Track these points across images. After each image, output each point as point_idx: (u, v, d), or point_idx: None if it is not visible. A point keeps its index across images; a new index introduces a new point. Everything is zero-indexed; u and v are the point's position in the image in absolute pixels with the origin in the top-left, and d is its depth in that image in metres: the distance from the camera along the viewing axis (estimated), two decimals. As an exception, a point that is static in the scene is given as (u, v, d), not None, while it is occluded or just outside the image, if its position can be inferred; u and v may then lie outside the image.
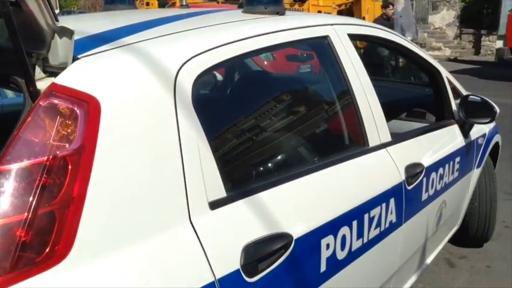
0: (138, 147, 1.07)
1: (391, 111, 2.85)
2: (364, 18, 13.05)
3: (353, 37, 1.88)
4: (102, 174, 0.99)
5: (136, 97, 1.10)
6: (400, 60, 8.00)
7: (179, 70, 1.18)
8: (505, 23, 12.16)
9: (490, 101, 2.49)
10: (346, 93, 1.77)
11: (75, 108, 0.98)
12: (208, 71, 1.29)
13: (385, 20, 9.15)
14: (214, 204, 1.16)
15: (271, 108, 1.71)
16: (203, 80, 1.35)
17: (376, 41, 2.18)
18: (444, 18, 20.12)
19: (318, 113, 1.86)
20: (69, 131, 0.97)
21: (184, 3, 1.90)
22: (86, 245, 0.95)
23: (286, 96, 1.83)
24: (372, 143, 1.80)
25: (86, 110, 0.99)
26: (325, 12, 13.45)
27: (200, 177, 1.14)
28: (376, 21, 9.00)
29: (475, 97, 2.50)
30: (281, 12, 1.68)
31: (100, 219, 0.98)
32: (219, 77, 2.42)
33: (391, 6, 9.41)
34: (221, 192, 1.19)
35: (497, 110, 2.46)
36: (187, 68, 1.20)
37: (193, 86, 1.20)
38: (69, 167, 0.95)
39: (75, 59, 1.05)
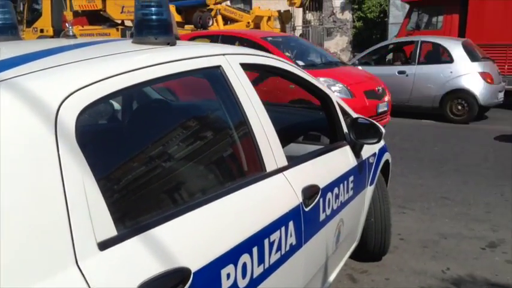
0: (16, 190, 0.99)
1: (288, 136, 2.96)
2: (264, 44, 13.52)
3: (245, 66, 1.92)
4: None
5: (13, 137, 1.03)
6: None
7: (60, 106, 1.12)
8: (391, 48, 13.15)
9: (376, 123, 2.67)
10: (241, 121, 1.80)
11: None
12: (94, 105, 1.24)
13: None
14: (104, 245, 1.11)
15: (166, 139, 1.69)
16: (91, 113, 1.31)
17: (268, 70, 2.25)
18: (338, 43, 21.44)
19: (215, 142, 1.87)
20: None
21: (70, 34, 1.82)
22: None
23: (181, 126, 1.82)
24: (269, 168, 1.84)
25: None
26: (226, 39, 13.77)
27: (87, 218, 1.09)
28: None
29: (363, 120, 2.66)
30: (172, 43, 1.68)
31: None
32: (116, 106, 2.35)
33: None
34: (111, 231, 1.15)
35: (383, 131, 2.63)
36: (69, 103, 1.15)
37: (77, 122, 1.15)
38: None
39: None
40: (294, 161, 2.06)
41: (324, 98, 2.61)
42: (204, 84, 1.89)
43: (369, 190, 2.91)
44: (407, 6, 12.35)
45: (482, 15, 10.50)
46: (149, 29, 1.61)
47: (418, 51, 9.24)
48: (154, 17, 1.60)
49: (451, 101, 8.75)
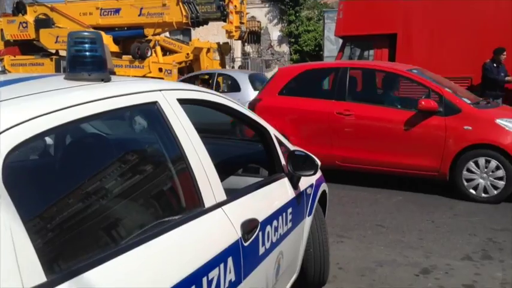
0: None
1: (228, 168, 2.96)
2: (204, 76, 13.62)
3: (183, 101, 1.92)
4: None
5: None
6: None
7: None
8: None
9: (312, 155, 2.74)
10: (179, 157, 1.79)
11: None
12: (24, 145, 1.20)
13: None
14: None
15: (100, 176, 1.64)
16: (21, 153, 1.25)
17: (206, 105, 2.26)
18: (277, 75, 21.96)
19: (152, 178, 1.84)
20: None
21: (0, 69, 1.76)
22: None
23: (117, 162, 1.77)
24: (208, 203, 1.83)
25: None
26: (165, 70, 13.73)
27: (13, 263, 1.03)
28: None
29: (300, 152, 2.72)
30: (106, 79, 1.65)
31: None
32: (49, 141, 2.26)
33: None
34: (40, 278, 1.09)
35: (319, 163, 2.71)
36: None
37: (4, 163, 1.10)
38: None
39: None
40: (233, 195, 2.06)
41: (262, 131, 2.66)
42: None
43: (308, 221, 2.95)
44: (340, 41, 12.89)
45: (410, 51, 11.15)
46: (82, 66, 1.58)
47: (215, 81, 11.31)
48: (88, 53, 1.58)
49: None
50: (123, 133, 1.98)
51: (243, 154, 3.31)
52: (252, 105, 6.94)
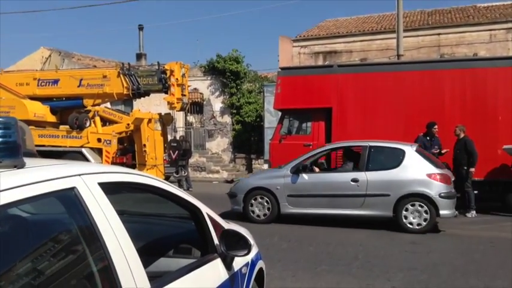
0: None
1: (158, 249, 2.85)
2: (145, 146, 13.44)
3: (105, 185, 1.84)
4: None
5: None
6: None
7: None
8: (268, 150, 13.89)
9: (246, 234, 2.69)
10: (97, 245, 1.68)
11: None
12: None
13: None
14: None
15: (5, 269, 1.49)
16: None
17: (133, 187, 2.19)
18: (219, 144, 22.17)
19: (66, 270, 1.68)
20: None
21: None
22: None
23: (30, 253, 1.63)
24: None
25: None
26: (105, 140, 13.47)
27: None
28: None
29: (233, 231, 2.67)
30: (20, 165, 1.57)
31: None
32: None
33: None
34: None
35: (252, 242, 2.66)
36: None
37: None
38: None
39: None
40: (159, 282, 1.95)
41: (194, 211, 2.60)
42: None
43: (243, 303, 2.84)
44: (280, 113, 13.29)
45: (345, 124, 11.67)
46: (-7, 152, 1.50)
47: None
48: (0, 139, 1.50)
49: None
50: (35, 220, 1.85)
51: (175, 234, 3.20)
52: None
